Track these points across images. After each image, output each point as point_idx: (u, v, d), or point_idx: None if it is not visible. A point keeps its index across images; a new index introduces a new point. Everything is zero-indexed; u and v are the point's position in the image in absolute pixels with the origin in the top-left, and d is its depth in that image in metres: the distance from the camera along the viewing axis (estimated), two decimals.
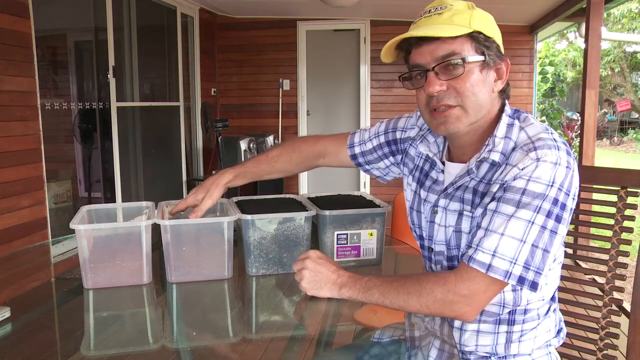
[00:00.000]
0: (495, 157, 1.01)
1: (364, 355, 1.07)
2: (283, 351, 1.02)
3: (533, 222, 0.94)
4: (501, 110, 1.07)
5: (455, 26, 0.98)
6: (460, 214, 1.07)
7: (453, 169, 1.11)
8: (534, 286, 0.95)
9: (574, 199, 0.98)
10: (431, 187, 1.16)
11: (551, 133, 1.00)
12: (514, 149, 1.00)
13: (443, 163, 1.15)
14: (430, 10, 1.02)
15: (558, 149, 0.96)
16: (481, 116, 1.04)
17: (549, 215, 0.94)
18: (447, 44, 0.99)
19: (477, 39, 0.99)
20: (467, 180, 1.06)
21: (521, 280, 0.94)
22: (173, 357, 0.99)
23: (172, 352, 1.01)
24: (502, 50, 1.05)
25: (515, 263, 0.94)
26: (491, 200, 0.99)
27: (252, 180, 1.37)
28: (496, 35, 1.02)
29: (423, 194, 1.17)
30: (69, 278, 1.37)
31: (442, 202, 1.11)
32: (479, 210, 1.03)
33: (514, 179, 0.96)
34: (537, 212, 0.93)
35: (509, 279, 0.94)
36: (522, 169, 0.95)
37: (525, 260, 0.94)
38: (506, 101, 1.09)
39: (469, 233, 1.05)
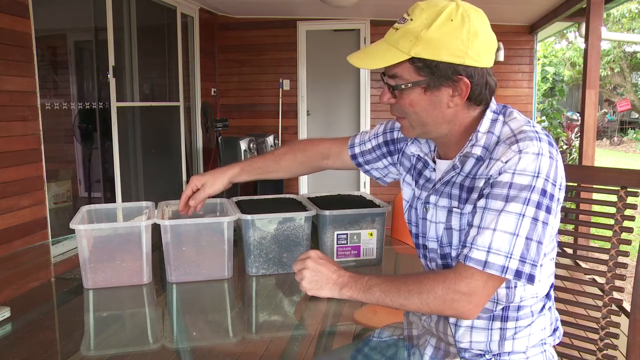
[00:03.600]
0: (477, 151, 1.04)
1: (363, 354, 1.07)
2: (283, 351, 1.02)
3: (524, 215, 0.95)
4: (484, 108, 1.08)
5: (393, 52, 1.01)
6: (450, 211, 1.08)
7: (442, 166, 1.13)
8: (531, 279, 0.95)
9: (560, 189, 0.99)
10: (424, 185, 1.18)
11: (533, 126, 1.02)
12: (497, 143, 1.02)
13: (434, 162, 1.16)
14: (400, 19, 1.04)
15: (540, 140, 0.97)
16: (438, 129, 1.07)
17: (538, 206, 0.95)
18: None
19: (416, 64, 1.00)
20: (453, 176, 1.08)
21: (518, 274, 0.95)
22: (173, 357, 1.00)
23: (172, 352, 1.01)
24: (466, 70, 1.00)
25: (510, 257, 0.94)
26: (479, 197, 1.01)
27: (258, 176, 1.40)
28: (448, 57, 0.98)
29: (417, 192, 1.20)
30: (69, 278, 1.37)
31: (432, 198, 1.13)
32: (468, 207, 1.04)
33: (500, 174, 0.97)
34: (527, 205, 0.95)
35: (505, 273, 0.95)
36: (506, 162, 0.97)
37: (521, 253, 0.94)
38: (492, 98, 1.09)
39: (460, 230, 1.07)
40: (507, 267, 0.94)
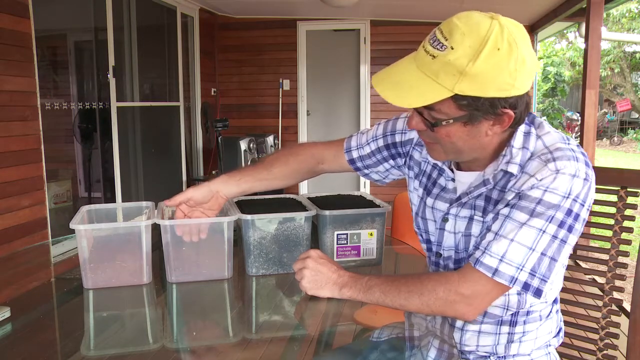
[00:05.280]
0: (514, 169, 0.98)
1: (363, 355, 1.07)
2: (283, 351, 1.02)
3: (544, 231, 0.93)
4: None
5: (433, 88, 0.91)
6: (471, 219, 1.06)
7: (465, 178, 1.08)
8: (537, 293, 0.95)
9: (587, 209, 0.97)
10: (440, 194, 1.13)
11: (568, 143, 0.98)
12: (530, 157, 0.98)
13: (452, 170, 1.11)
14: (435, 41, 0.91)
15: (577, 160, 0.95)
16: (471, 154, 1.02)
17: (561, 225, 0.93)
18: None
19: (459, 101, 0.92)
20: (483, 190, 1.04)
21: (526, 286, 0.94)
22: (173, 357, 0.99)
23: (172, 352, 1.01)
24: (510, 102, 0.93)
25: (521, 269, 0.93)
26: (504, 206, 0.98)
27: (251, 187, 1.31)
28: (494, 92, 0.90)
29: (430, 201, 1.15)
30: (69, 278, 1.37)
31: (453, 210, 1.09)
32: (490, 216, 1.02)
33: (531, 189, 0.94)
34: (550, 222, 0.93)
35: (514, 284, 0.94)
36: (540, 180, 0.94)
37: (532, 267, 0.93)
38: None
39: (479, 237, 1.04)
40: (517, 279, 0.94)
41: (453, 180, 1.11)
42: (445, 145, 1.00)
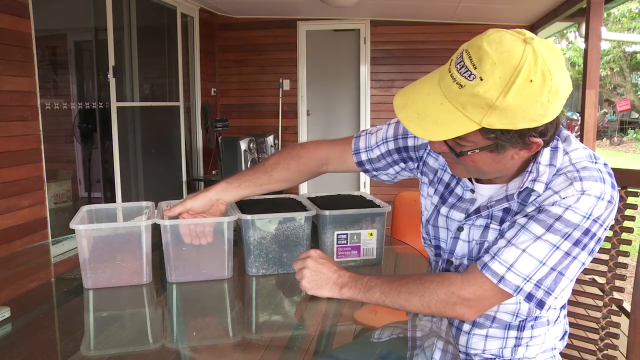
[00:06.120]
0: (540, 188, 0.95)
1: (363, 355, 1.07)
2: (283, 351, 1.02)
3: (558, 247, 0.92)
4: None
5: (460, 120, 0.87)
6: (487, 227, 1.04)
7: (485, 191, 1.06)
8: (540, 305, 0.94)
9: (606, 229, 0.95)
10: (456, 204, 1.10)
11: (595, 162, 0.96)
12: (555, 172, 0.96)
13: (471, 181, 1.09)
14: (462, 67, 0.85)
15: (603, 182, 0.93)
16: (494, 174, 1.00)
17: (576, 243, 0.92)
18: None
19: (486, 132, 0.88)
20: (505, 206, 1.02)
21: (529, 297, 0.94)
22: (173, 357, 0.99)
23: (172, 352, 1.01)
24: (539, 130, 0.90)
25: (528, 281, 0.93)
26: (522, 216, 0.97)
27: (251, 192, 1.29)
28: (524, 123, 0.86)
29: (444, 210, 1.12)
30: (69, 278, 1.37)
31: (469, 220, 1.07)
32: (507, 224, 1.00)
33: (552, 205, 0.93)
34: (565, 239, 0.92)
35: (518, 293, 0.94)
36: (564, 198, 0.92)
37: (539, 279, 0.93)
38: None
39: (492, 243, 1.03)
40: (521, 289, 0.93)
41: (472, 191, 1.08)
42: (469, 168, 0.98)
